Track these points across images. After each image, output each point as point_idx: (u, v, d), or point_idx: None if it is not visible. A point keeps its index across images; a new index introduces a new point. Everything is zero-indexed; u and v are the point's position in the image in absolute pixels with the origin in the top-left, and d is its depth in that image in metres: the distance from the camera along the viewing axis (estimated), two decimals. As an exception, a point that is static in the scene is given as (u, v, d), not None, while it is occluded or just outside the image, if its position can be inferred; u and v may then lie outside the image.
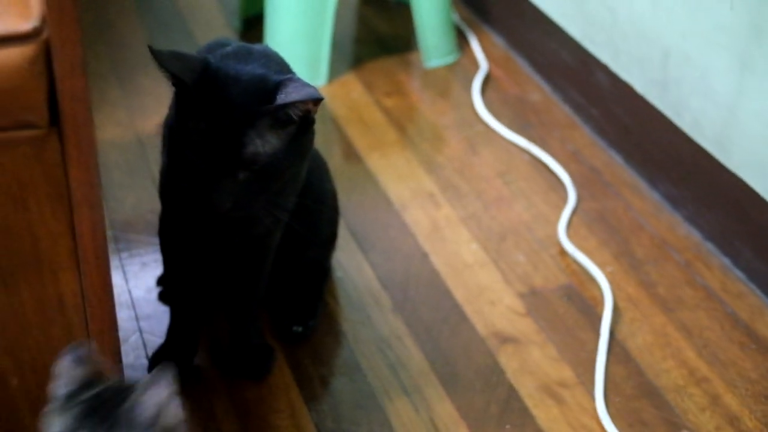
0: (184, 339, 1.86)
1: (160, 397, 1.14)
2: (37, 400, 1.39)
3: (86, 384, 1.17)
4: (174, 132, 1.56)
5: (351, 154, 2.45)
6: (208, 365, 1.89)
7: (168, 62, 1.46)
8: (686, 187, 2.26)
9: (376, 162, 2.43)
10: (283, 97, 1.49)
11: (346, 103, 2.66)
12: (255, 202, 1.54)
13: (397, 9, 3.10)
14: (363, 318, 1.99)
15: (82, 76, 1.22)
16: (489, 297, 2.06)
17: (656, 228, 2.24)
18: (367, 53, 2.90)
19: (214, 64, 1.52)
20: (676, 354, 1.94)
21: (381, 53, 2.90)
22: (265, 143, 1.49)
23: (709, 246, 2.19)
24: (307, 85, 1.52)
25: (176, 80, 1.49)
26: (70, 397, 1.17)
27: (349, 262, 2.12)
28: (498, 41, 2.96)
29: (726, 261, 2.15)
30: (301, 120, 1.52)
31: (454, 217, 2.26)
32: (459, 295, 2.06)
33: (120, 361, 1.42)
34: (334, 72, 2.77)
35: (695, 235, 2.22)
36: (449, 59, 2.84)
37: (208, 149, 1.48)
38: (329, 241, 2.02)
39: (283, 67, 1.62)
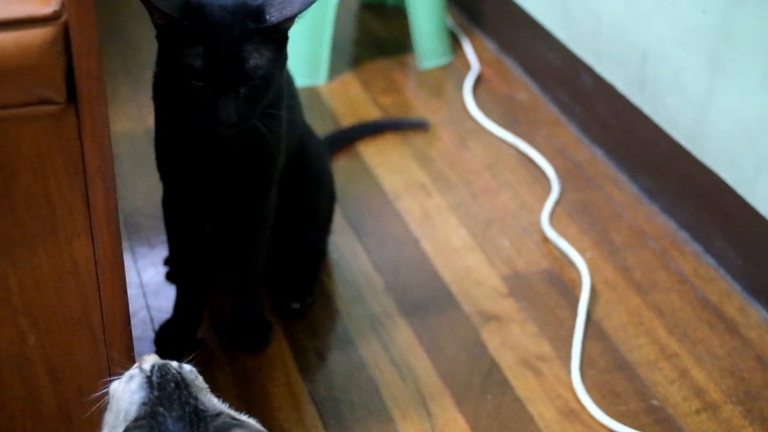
0: (189, 314, 1.98)
1: None
2: (51, 357, 1.49)
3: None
4: (168, 76, 1.69)
5: (348, 149, 2.58)
6: (211, 338, 2.01)
7: (158, 3, 1.58)
8: (663, 179, 2.39)
9: (372, 156, 2.56)
10: (277, 14, 1.62)
11: (344, 101, 2.79)
12: (253, 114, 1.67)
13: (395, 14, 3.25)
14: (356, 297, 2.12)
15: (97, 56, 1.32)
16: (474, 278, 2.18)
17: (634, 218, 2.37)
18: (365, 54, 3.04)
19: None
20: (648, 332, 2.06)
21: (378, 55, 3.04)
22: (261, 56, 1.63)
23: (684, 234, 2.32)
24: None
25: (166, 19, 1.61)
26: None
27: (345, 246, 2.25)
28: (489, 45, 3.10)
29: (698, 248, 2.28)
30: (284, 32, 1.66)
31: (444, 205, 2.40)
32: (447, 276, 2.18)
33: (129, 325, 1.52)
34: (333, 71, 2.91)
35: (671, 225, 2.35)
36: (443, 61, 2.98)
37: (212, 70, 1.61)
38: (325, 222, 2.15)
39: None
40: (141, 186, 2.37)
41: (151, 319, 2.04)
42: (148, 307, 2.07)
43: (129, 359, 1.53)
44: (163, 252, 2.18)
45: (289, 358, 1.97)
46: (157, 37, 1.68)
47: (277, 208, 1.95)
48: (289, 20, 1.64)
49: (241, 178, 1.83)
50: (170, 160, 1.85)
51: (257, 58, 1.64)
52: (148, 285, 2.12)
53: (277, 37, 1.66)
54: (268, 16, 1.63)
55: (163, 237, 2.07)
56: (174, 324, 1.99)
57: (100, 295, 1.49)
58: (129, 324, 1.54)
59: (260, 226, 1.92)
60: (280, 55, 1.68)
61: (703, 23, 2.19)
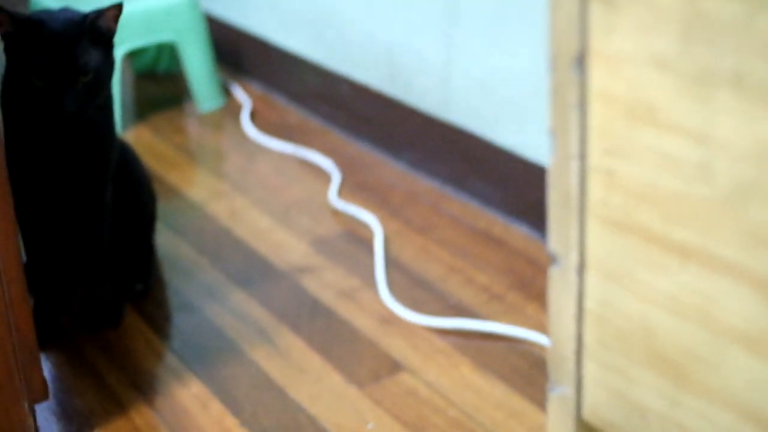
0: (49, 310, 2.26)
1: None
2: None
3: None
4: (15, 82, 2.05)
5: (152, 176, 2.92)
6: (74, 324, 2.31)
7: (12, 13, 2.00)
8: (422, 150, 2.83)
9: (173, 179, 2.93)
10: (93, 15, 2.05)
11: (140, 145, 3.15)
12: (91, 104, 2.06)
13: (165, 77, 3.72)
14: (188, 275, 2.46)
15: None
16: (285, 248, 2.56)
17: (405, 186, 2.81)
18: (149, 110, 3.44)
19: (32, 15, 2.05)
20: (436, 258, 2.48)
21: (161, 109, 3.44)
22: (90, 55, 2.03)
23: (448, 189, 2.77)
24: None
25: (15, 27, 2.00)
26: None
27: (167, 244, 2.59)
28: (255, 85, 3.55)
29: (463, 195, 2.73)
30: (108, 38, 2.08)
31: (245, 203, 2.77)
32: (261, 250, 2.55)
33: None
34: (126, 125, 3.30)
35: (436, 184, 2.80)
36: (218, 103, 3.40)
37: (53, 69, 2.00)
38: (151, 219, 2.49)
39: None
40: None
41: (15, 321, 2.32)
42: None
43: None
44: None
45: (143, 326, 2.29)
46: (5, 49, 2.04)
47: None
48: (104, 18, 2.04)
49: (83, 172, 2.17)
50: (20, 165, 2.16)
51: (86, 56, 2.03)
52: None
53: (102, 40, 2.07)
54: (89, 20, 2.04)
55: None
56: (37, 315, 2.27)
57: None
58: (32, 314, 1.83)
59: (101, 219, 2.23)
60: (107, 56, 2.08)
61: (434, 10, 2.67)
